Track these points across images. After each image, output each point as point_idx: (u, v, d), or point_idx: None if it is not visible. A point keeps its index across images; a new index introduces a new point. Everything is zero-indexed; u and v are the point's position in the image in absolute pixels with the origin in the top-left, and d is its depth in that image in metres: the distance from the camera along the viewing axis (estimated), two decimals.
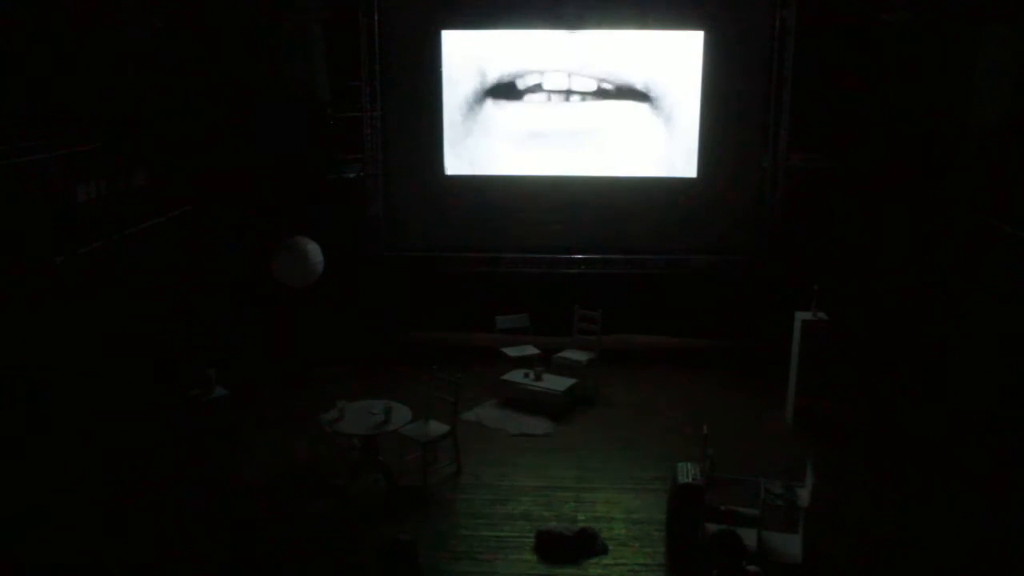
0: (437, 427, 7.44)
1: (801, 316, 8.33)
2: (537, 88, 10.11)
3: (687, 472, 6.36)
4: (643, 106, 10.10)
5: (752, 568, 4.74)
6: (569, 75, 10.03)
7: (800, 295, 8.44)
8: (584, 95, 10.07)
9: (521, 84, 10.12)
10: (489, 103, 10.23)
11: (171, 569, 6.16)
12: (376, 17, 10.10)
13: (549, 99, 10.14)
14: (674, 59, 10.01)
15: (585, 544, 6.39)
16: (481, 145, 10.39)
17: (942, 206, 9.49)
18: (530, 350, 9.37)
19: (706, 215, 10.31)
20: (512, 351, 9.35)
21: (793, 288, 8.75)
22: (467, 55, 10.15)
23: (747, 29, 9.94)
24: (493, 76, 10.16)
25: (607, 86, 10.04)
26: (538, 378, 8.96)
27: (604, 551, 6.38)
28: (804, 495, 6.16)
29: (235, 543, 6.43)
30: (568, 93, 10.09)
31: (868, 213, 9.89)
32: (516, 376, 9.09)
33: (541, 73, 10.05)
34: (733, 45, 9.94)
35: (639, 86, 10.03)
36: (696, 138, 10.15)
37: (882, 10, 9.81)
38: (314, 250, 9.13)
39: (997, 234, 8.56)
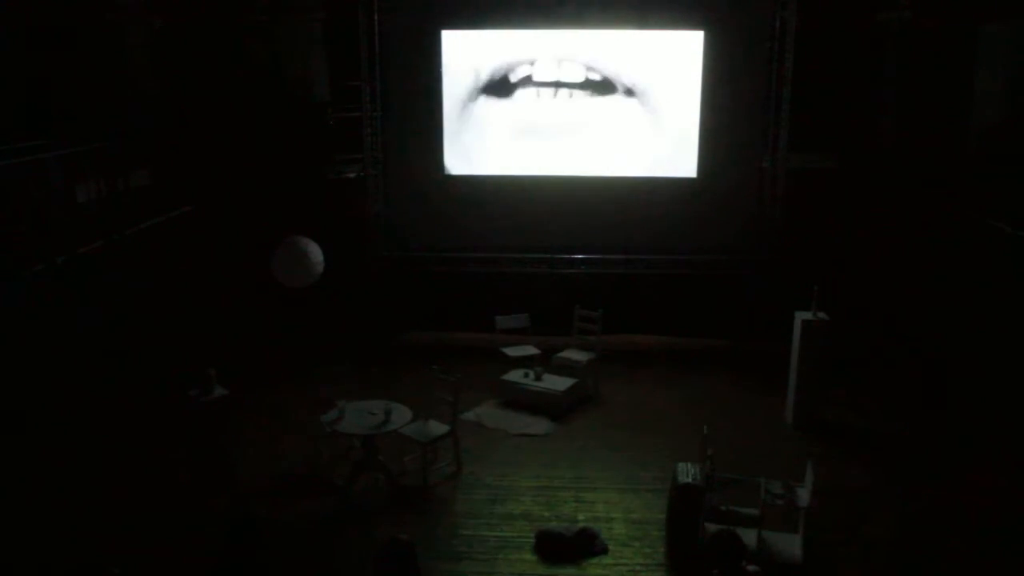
0: (437, 427, 7.44)
1: (801, 316, 8.33)
2: (527, 81, 10.09)
3: (687, 472, 6.36)
4: (631, 101, 10.10)
5: (752, 568, 4.74)
6: (559, 62, 10.01)
7: (800, 295, 8.44)
8: (572, 88, 10.04)
9: (513, 78, 10.11)
10: (482, 99, 10.24)
11: (170, 568, 6.17)
12: (376, 17, 10.10)
13: (539, 95, 10.13)
14: (674, 59, 10.01)
15: (585, 544, 6.39)
16: (474, 141, 10.39)
17: (942, 206, 9.50)
18: (530, 350, 9.37)
19: (706, 215, 10.31)
20: (512, 351, 9.35)
21: (793, 288, 8.75)
22: (462, 52, 10.14)
23: (747, 29, 9.94)
24: (486, 72, 10.15)
25: (594, 76, 10.01)
26: (538, 378, 8.96)
27: (604, 551, 6.38)
28: (804, 495, 6.16)
29: (235, 543, 6.43)
30: (557, 85, 10.08)
31: (868, 213, 9.89)
32: (516, 376, 9.09)
33: (531, 63, 10.04)
34: (733, 45, 9.94)
35: (625, 80, 10.02)
36: (696, 138, 10.16)
37: (882, 10, 9.82)
38: (314, 250, 9.12)
39: (997, 234, 8.56)
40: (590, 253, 10.49)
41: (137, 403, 7.81)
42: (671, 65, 10.02)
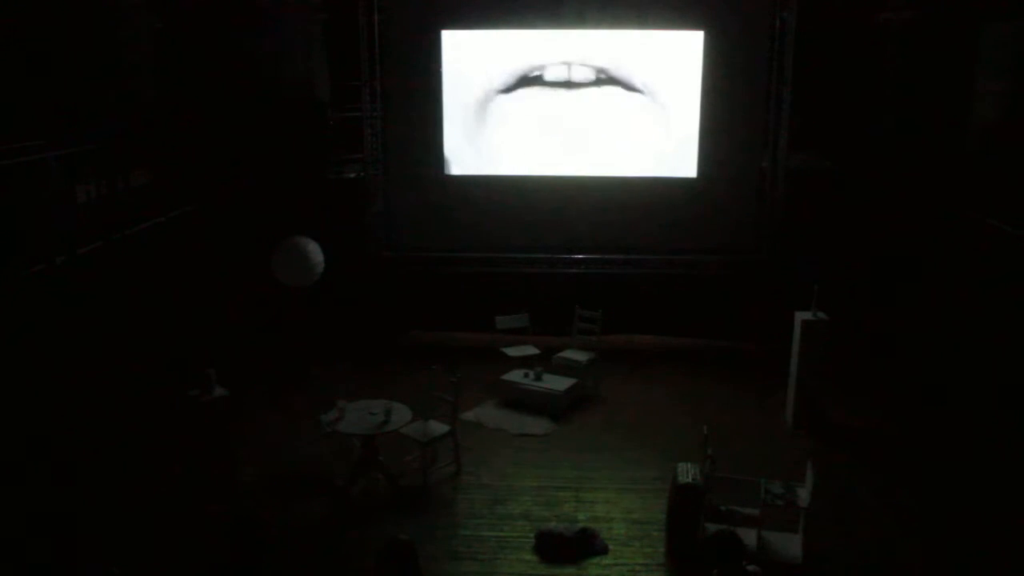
0: (437, 427, 7.44)
1: (801, 316, 8.33)
2: (539, 80, 10.10)
3: (687, 472, 6.36)
4: (640, 97, 10.09)
5: (752, 568, 4.74)
6: (569, 66, 10.03)
7: (800, 295, 8.44)
8: (583, 86, 10.05)
9: (526, 77, 10.12)
10: (499, 98, 10.23)
11: (170, 568, 6.17)
12: (376, 17, 10.10)
13: (545, 95, 10.11)
14: (674, 59, 10.01)
15: (585, 544, 6.39)
16: (475, 142, 10.39)
17: (942, 206, 9.49)
18: (530, 350, 9.37)
19: (706, 215, 10.31)
20: (512, 351, 9.35)
21: (793, 288, 8.75)
22: (472, 53, 10.14)
23: (747, 29, 9.94)
24: (498, 74, 10.15)
25: (604, 76, 10.02)
26: (538, 378, 8.96)
27: (604, 551, 6.39)
28: (804, 495, 6.16)
29: (235, 543, 6.43)
30: (568, 84, 10.08)
31: (868, 213, 9.89)
32: (516, 376, 9.09)
33: (543, 67, 10.05)
34: (733, 45, 9.94)
35: (635, 80, 10.03)
36: (696, 138, 10.16)
37: (882, 10, 9.82)
38: (314, 250, 9.14)
39: (997, 234, 8.56)
40: (590, 253, 10.49)
41: (137, 403, 7.80)
42: (671, 65, 10.02)
